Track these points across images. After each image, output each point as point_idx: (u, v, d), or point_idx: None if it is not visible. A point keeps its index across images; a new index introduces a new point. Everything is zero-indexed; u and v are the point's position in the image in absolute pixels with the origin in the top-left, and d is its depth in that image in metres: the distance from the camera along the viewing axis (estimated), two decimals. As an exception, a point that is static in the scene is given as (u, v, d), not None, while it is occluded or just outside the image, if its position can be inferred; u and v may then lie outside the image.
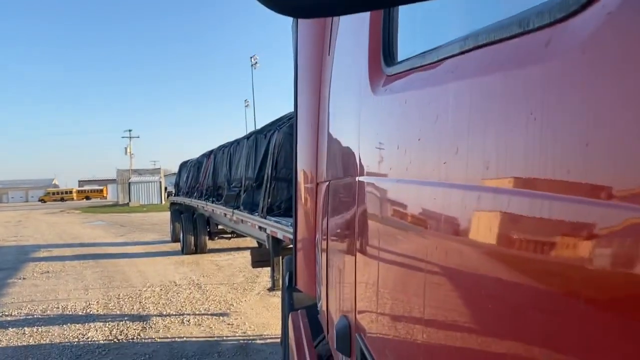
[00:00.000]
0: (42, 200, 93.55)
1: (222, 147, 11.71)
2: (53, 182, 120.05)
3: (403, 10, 1.33)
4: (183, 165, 18.57)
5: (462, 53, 0.82)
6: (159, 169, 63.81)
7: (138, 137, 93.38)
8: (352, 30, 1.78)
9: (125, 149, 66.05)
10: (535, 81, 0.59)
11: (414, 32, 1.31)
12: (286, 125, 6.57)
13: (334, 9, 0.51)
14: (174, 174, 29.11)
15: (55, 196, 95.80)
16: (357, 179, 1.54)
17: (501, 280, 0.66)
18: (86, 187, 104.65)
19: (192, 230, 14.86)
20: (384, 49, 1.36)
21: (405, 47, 1.30)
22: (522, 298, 0.60)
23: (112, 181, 77.53)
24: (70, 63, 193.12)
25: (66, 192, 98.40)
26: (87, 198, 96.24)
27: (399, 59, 1.30)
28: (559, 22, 0.56)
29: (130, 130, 68.47)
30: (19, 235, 23.50)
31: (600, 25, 0.49)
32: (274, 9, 0.52)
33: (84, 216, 39.13)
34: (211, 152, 13.06)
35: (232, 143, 10.54)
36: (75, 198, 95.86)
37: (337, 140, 2.15)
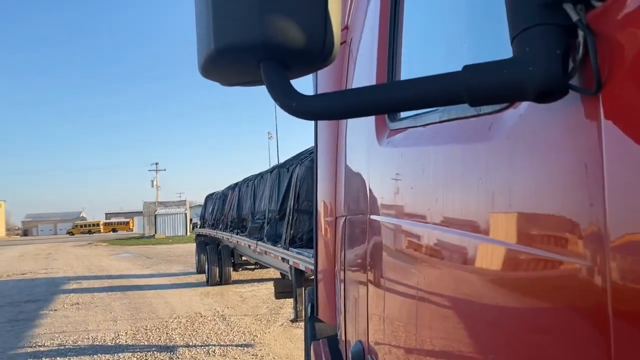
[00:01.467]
0: (70, 233, 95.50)
1: (246, 180, 12.04)
2: (81, 215, 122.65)
3: (407, 71, 1.56)
4: (208, 197, 18.99)
5: (441, 122, 1.03)
6: (185, 201, 64.80)
7: (164, 169, 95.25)
8: (364, 82, 2.02)
9: (152, 181, 67.47)
10: (481, 154, 0.80)
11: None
12: (308, 159, 6.83)
13: (340, 115, 0.74)
14: (200, 205, 29.60)
15: (83, 229, 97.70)
16: (368, 216, 1.75)
17: (477, 303, 0.85)
18: (113, 220, 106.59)
19: (217, 262, 15.09)
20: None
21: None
22: (507, 319, 0.74)
23: (139, 213, 78.87)
24: (100, 97, 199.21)
25: (93, 225, 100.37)
26: (114, 230, 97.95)
27: (401, 115, 1.52)
28: (497, 112, 0.77)
29: (157, 163, 70.04)
30: (49, 268, 24.09)
31: (516, 122, 0.70)
32: (291, 113, 0.74)
33: (111, 248, 39.86)
34: (236, 185, 13.41)
35: (256, 176, 10.86)
36: (102, 230, 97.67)
37: (351, 178, 2.37)
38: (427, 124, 1.14)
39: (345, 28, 3.19)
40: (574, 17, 0.56)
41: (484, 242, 0.77)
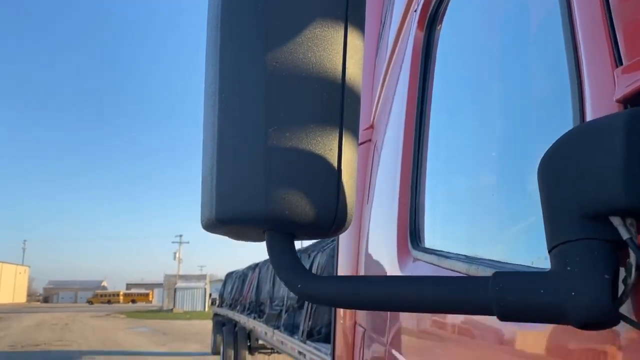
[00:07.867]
0: (89, 302, 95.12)
1: (267, 262, 11.87)
2: (102, 284, 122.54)
3: (432, 175, 1.51)
4: (228, 276, 18.75)
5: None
6: (205, 275, 64.38)
7: (188, 242, 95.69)
8: (387, 183, 1.95)
9: (175, 254, 67.42)
10: None
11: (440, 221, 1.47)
12: (329, 247, 6.70)
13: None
14: (220, 280, 29.17)
15: (102, 298, 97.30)
16: (387, 347, 1.63)
17: None
18: (133, 291, 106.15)
19: (233, 344, 14.58)
20: (411, 232, 1.51)
21: (431, 232, 1.45)
22: None
23: (159, 285, 78.34)
24: (126, 172, 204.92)
25: (113, 295, 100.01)
26: (133, 301, 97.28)
27: (425, 244, 1.44)
28: None
29: (181, 236, 70.37)
30: (64, 340, 23.75)
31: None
32: (296, 294, 0.67)
33: (128, 321, 39.29)
34: (257, 265, 13.22)
35: (277, 259, 10.68)
36: (121, 301, 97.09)
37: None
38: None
39: (370, 127, 3.19)
40: (624, 235, 0.48)
41: None
